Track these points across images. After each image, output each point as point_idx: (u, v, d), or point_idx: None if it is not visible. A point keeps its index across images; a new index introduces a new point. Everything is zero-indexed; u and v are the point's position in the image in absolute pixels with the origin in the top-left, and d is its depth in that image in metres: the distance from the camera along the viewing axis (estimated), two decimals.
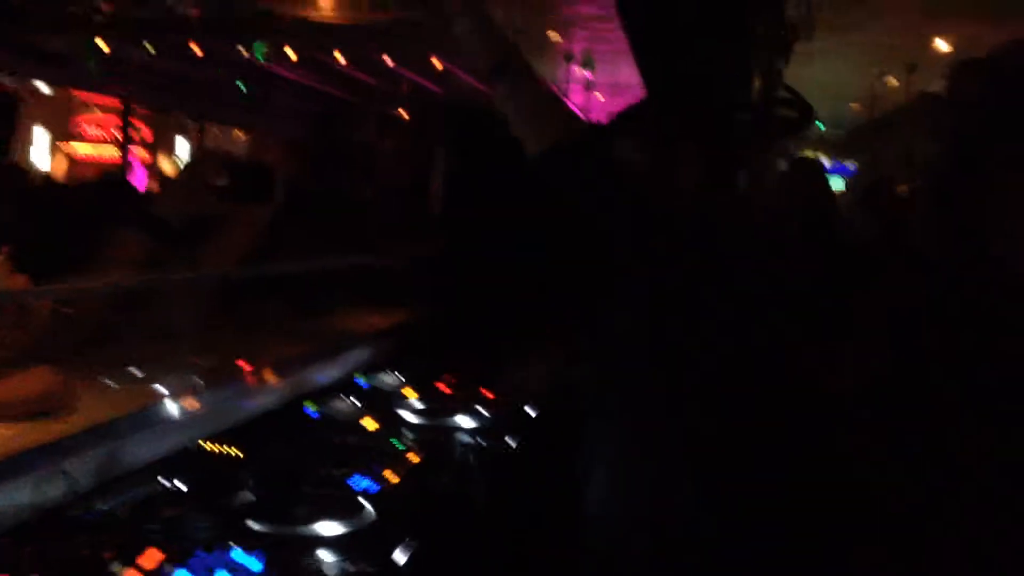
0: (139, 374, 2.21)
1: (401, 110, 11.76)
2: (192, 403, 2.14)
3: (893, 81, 9.31)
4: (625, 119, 1.95)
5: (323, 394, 2.63)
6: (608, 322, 1.81)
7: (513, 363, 3.03)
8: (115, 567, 1.37)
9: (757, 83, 3.30)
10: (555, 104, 1.82)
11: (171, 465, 1.89)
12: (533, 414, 2.73)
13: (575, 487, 1.97)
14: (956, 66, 2.33)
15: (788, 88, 3.32)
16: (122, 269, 2.27)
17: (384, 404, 2.73)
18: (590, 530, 1.75)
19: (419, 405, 2.75)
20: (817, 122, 12.28)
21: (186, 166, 2.87)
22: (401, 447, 2.29)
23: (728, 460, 1.66)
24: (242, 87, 8.99)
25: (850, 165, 10.24)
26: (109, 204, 3.26)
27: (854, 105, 11.23)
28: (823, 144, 8.33)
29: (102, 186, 4.52)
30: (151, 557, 1.42)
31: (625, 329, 1.76)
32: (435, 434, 2.46)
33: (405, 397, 2.82)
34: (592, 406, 1.84)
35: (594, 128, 1.85)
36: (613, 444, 1.76)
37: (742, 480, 1.66)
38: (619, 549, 1.70)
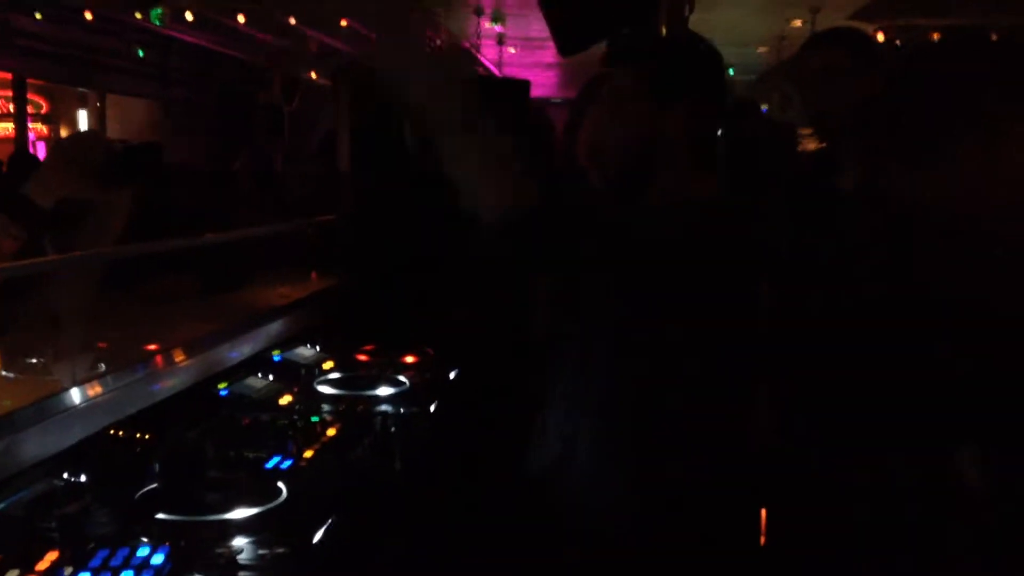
0: (37, 362, 2.11)
1: (310, 72, 11.48)
2: (95, 389, 2.05)
3: (798, 23, 9.42)
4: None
5: (236, 372, 2.55)
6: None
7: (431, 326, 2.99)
8: (9, 573, 1.30)
9: (664, 31, 3.27)
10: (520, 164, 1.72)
11: (72, 457, 1.80)
12: (451, 376, 2.70)
13: (498, 441, 1.96)
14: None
15: (694, 34, 3.30)
16: None
17: (301, 378, 2.66)
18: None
19: (337, 377, 2.69)
20: (730, 69, 12.40)
21: (57, 146, 2.72)
22: (317, 420, 2.24)
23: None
24: (140, 54, 8.67)
25: (763, 108, 10.32)
26: None
27: (762, 49, 11.35)
28: (732, 88, 8.40)
29: None
30: (48, 559, 1.35)
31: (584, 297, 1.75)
32: (353, 405, 2.41)
33: (323, 370, 2.76)
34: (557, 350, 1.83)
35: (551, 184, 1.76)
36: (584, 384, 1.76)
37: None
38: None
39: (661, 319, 1.65)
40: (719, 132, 2.26)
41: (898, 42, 10.86)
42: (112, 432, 1.96)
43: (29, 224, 2.27)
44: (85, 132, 8.87)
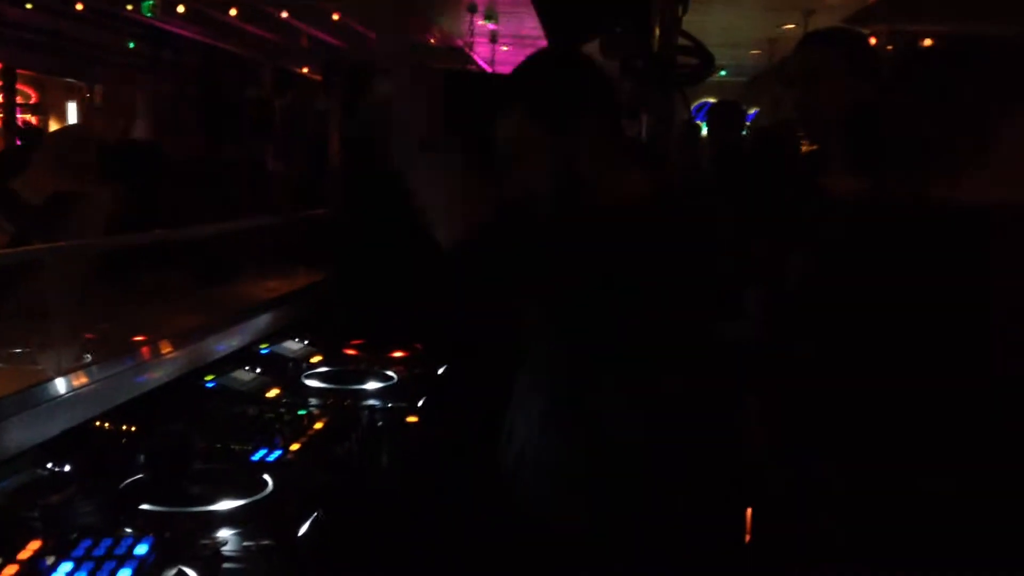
0: (22, 352, 2.10)
1: (301, 66, 11.45)
2: (81, 380, 2.03)
3: (791, 26, 9.45)
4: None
5: (223, 365, 2.54)
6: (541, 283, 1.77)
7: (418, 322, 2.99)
8: None
9: (657, 32, 3.28)
10: (477, 187, 1.72)
11: (57, 447, 1.79)
12: (439, 371, 2.69)
13: (487, 437, 1.94)
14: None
15: (688, 36, 3.31)
16: None
17: (288, 372, 2.65)
18: (525, 462, 1.74)
19: (325, 371, 2.68)
20: (723, 71, 12.43)
21: (44, 141, 2.70)
22: (304, 413, 2.23)
23: (656, 393, 1.67)
24: (130, 45, 8.63)
25: (752, 111, 10.37)
26: None
27: (754, 52, 11.37)
28: (723, 91, 8.42)
29: None
30: (31, 548, 1.34)
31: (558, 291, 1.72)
32: (341, 400, 2.40)
33: (310, 364, 2.75)
34: (527, 352, 1.81)
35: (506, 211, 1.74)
36: (547, 388, 1.74)
37: (666, 409, 1.68)
38: (556, 478, 1.70)
39: (616, 321, 1.64)
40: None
41: (890, 47, 10.91)
42: (98, 423, 1.95)
43: (17, 219, 2.26)
44: (74, 126, 8.81)
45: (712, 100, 6.65)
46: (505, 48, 11.41)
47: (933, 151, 1.51)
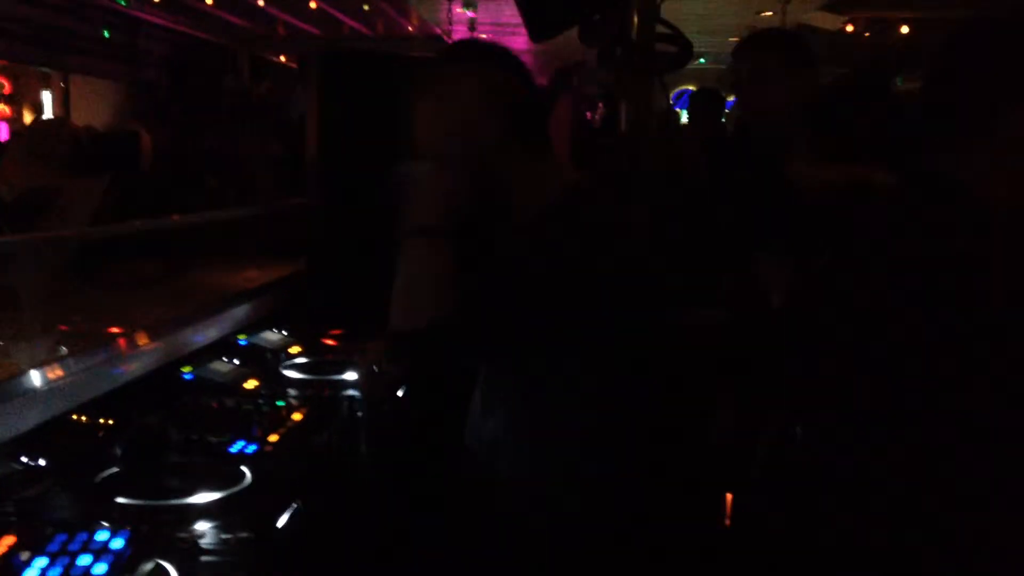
0: None
1: (278, 54, 11.36)
2: (56, 372, 2.01)
3: (769, 14, 9.48)
4: None
5: (201, 356, 2.52)
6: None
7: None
8: None
9: (636, 19, 3.27)
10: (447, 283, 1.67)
11: (32, 441, 1.77)
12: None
13: (458, 431, 1.93)
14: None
15: (667, 23, 3.30)
16: None
17: (267, 363, 2.63)
18: (490, 460, 1.73)
19: (304, 362, 2.66)
20: (701, 58, 12.44)
21: (21, 135, 2.67)
22: (282, 405, 2.21)
23: (620, 401, 1.66)
24: (105, 34, 8.53)
25: (731, 98, 10.39)
26: None
27: (733, 39, 11.38)
28: (703, 78, 8.44)
29: None
30: (5, 544, 1.32)
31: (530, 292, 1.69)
32: (320, 390, 2.39)
33: (289, 354, 2.73)
34: (497, 354, 1.79)
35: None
36: (515, 389, 1.73)
37: (631, 412, 1.67)
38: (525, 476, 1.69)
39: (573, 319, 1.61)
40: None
41: (867, 34, 10.95)
42: (73, 416, 1.93)
43: None
44: (50, 120, 8.70)
45: (691, 88, 6.67)
46: (484, 36, 11.38)
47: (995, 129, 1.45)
